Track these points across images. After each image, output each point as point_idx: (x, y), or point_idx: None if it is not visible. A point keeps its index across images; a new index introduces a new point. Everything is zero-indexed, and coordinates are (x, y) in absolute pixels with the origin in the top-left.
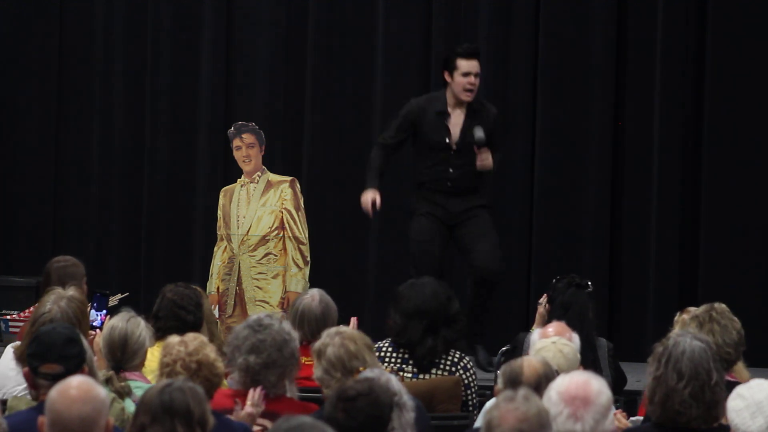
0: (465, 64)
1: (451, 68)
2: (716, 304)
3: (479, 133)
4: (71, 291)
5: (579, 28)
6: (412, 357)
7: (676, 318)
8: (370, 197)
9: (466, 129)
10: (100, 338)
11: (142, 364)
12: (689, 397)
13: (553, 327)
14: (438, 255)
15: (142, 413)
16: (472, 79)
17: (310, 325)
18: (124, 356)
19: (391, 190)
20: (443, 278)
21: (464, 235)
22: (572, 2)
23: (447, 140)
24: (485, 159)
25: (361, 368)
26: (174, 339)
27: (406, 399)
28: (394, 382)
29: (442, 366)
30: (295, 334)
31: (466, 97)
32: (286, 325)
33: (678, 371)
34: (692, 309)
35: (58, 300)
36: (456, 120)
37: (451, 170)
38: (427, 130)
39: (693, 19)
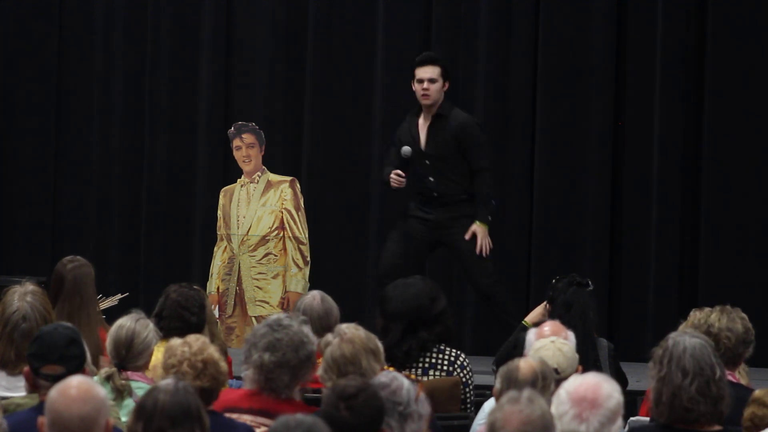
0: (418, 72)
1: (412, 77)
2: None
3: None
4: (29, 285)
5: (579, 28)
6: (392, 359)
7: (691, 314)
8: (392, 175)
9: (432, 136)
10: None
11: (145, 366)
12: (696, 393)
13: (549, 326)
14: (395, 263)
15: (157, 417)
16: (425, 84)
17: (313, 324)
18: (128, 355)
19: (392, 191)
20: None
21: (458, 250)
22: (572, 2)
23: (419, 148)
24: (474, 232)
25: (386, 367)
26: (176, 341)
27: (414, 408)
28: (405, 389)
29: (439, 366)
30: (315, 339)
31: (425, 101)
32: (307, 329)
33: (682, 369)
34: (707, 309)
35: (23, 296)
36: (423, 127)
37: (431, 179)
38: (404, 144)
39: (693, 19)
